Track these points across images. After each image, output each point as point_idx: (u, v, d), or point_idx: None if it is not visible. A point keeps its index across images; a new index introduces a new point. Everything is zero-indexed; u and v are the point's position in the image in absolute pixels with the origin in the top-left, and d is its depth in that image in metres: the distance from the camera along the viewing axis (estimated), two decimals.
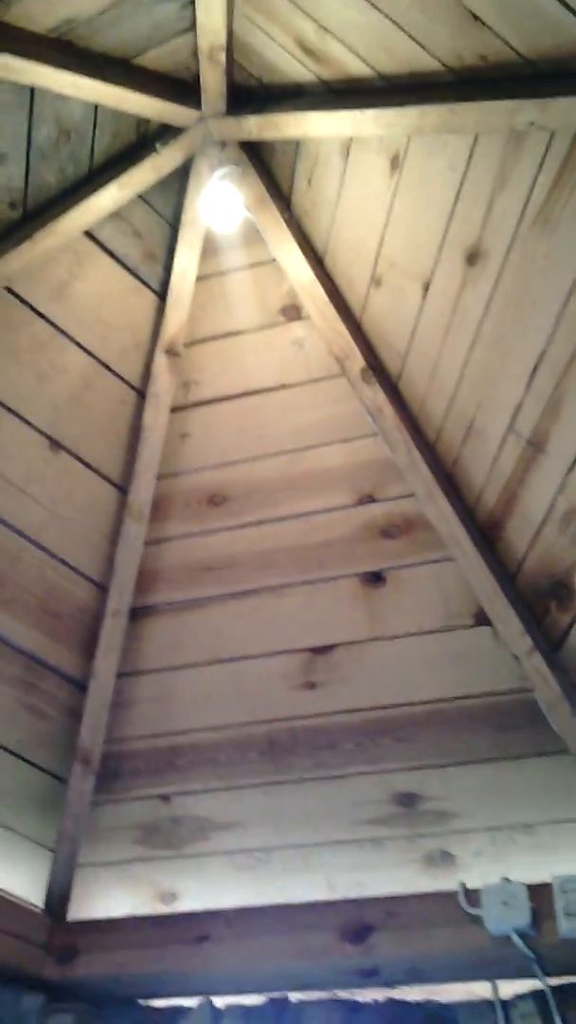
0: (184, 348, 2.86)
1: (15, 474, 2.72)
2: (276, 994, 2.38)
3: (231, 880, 2.52)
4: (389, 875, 2.37)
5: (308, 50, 2.24)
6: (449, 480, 2.61)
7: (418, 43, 2.00)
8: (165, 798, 2.67)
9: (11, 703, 2.65)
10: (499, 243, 2.17)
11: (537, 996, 2.14)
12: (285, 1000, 2.36)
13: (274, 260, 2.76)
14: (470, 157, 2.13)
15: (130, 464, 2.88)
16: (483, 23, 1.84)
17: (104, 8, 2.19)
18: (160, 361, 2.84)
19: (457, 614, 2.59)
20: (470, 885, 2.22)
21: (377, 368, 2.65)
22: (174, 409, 2.91)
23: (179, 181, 2.71)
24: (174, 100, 2.46)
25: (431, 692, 2.53)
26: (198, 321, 2.89)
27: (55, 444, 2.80)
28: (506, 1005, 2.17)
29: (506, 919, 2.11)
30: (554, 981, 2.14)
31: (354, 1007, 2.32)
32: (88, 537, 2.87)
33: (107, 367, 2.87)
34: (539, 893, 2.14)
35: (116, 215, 2.70)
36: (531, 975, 2.14)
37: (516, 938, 2.09)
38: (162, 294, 2.86)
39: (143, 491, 2.85)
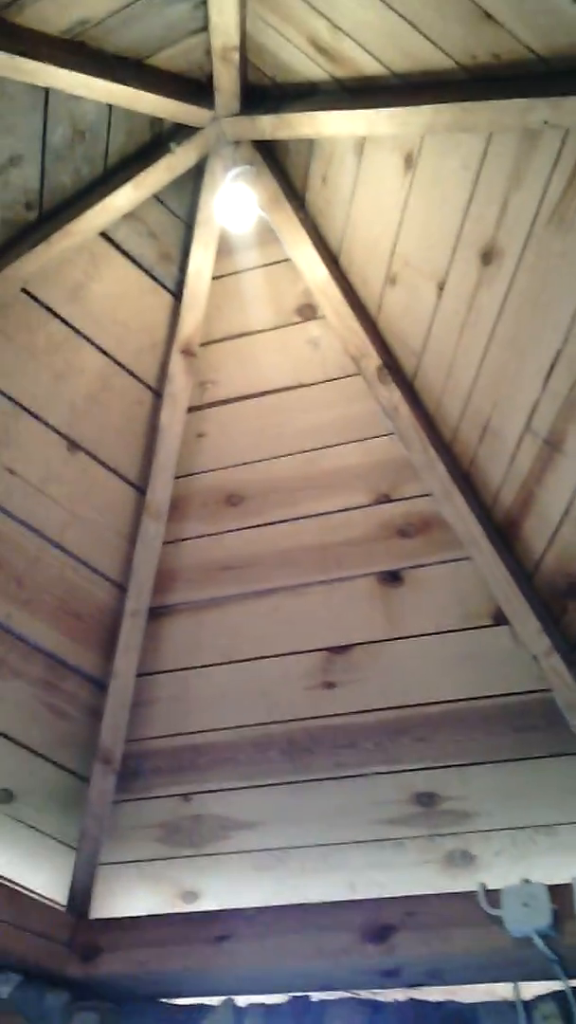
0: (200, 348, 2.87)
1: (33, 475, 2.73)
2: (297, 993, 2.38)
3: (251, 879, 2.53)
4: (409, 875, 2.37)
5: (322, 49, 2.23)
6: (466, 479, 2.60)
7: (432, 42, 1.99)
8: (186, 797, 2.68)
9: (33, 703, 2.67)
10: (514, 242, 2.15)
11: (558, 997, 2.13)
12: (306, 999, 2.36)
13: (289, 259, 2.76)
14: (484, 155, 2.11)
15: (147, 464, 2.89)
16: (497, 21, 1.83)
17: (117, 9, 2.19)
18: (176, 361, 2.84)
19: (475, 614, 2.58)
20: (490, 885, 2.21)
21: (393, 367, 2.65)
22: (190, 409, 2.92)
23: (193, 181, 2.71)
24: (188, 100, 2.46)
25: (449, 692, 2.53)
26: (214, 321, 2.90)
27: (73, 444, 2.81)
28: (528, 1006, 2.16)
29: (527, 920, 2.10)
30: None
31: (375, 1007, 2.31)
32: (106, 537, 2.88)
33: (123, 367, 2.87)
34: (560, 894, 2.13)
35: (131, 215, 2.71)
36: (553, 976, 2.13)
37: (537, 939, 2.08)
38: (178, 294, 2.86)
39: (161, 491, 2.86)
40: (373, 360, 2.65)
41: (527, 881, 2.17)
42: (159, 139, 2.61)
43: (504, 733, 2.44)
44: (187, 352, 2.84)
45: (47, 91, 2.31)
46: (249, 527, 2.88)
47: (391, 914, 2.26)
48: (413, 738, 2.51)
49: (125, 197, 2.58)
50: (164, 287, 2.88)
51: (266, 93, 2.47)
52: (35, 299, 2.67)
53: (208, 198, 2.65)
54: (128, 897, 2.62)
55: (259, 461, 2.90)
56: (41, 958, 2.43)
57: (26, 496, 2.71)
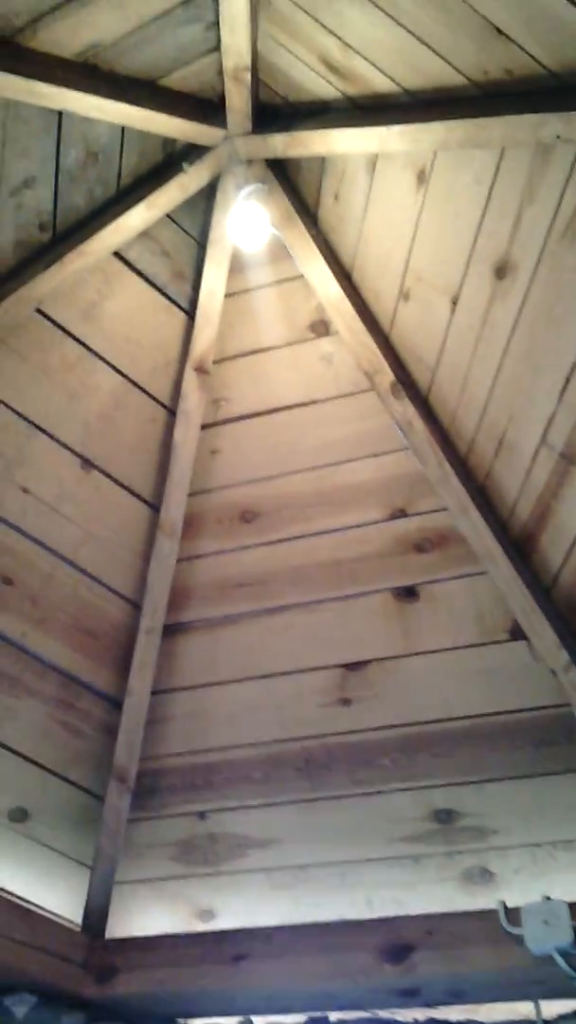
0: (213, 365, 2.88)
1: (48, 493, 2.74)
2: (315, 1014, 2.36)
3: (268, 897, 2.51)
4: (428, 892, 2.36)
5: (333, 67, 2.25)
6: (481, 493, 2.60)
7: (443, 58, 2.00)
8: (201, 815, 2.67)
9: (47, 721, 2.66)
10: (528, 256, 2.16)
11: None
12: (324, 1019, 2.35)
13: (301, 276, 2.77)
14: (497, 170, 2.12)
15: (161, 482, 2.90)
16: (508, 37, 1.84)
17: (129, 32, 2.22)
18: (190, 379, 2.85)
19: (492, 629, 2.58)
20: (510, 902, 2.20)
21: (407, 382, 2.65)
22: (204, 426, 2.93)
23: (206, 200, 2.73)
24: (200, 120, 2.47)
25: (467, 708, 2.51)
26: (227, 338, 2.91)
27: (87, 463, 2.82)
28: None
29: (548, 938, 2.08)
30: None
31: None
32: (121, 555, 2.88)
33: (137, 386, 2.89)
34: None
35: (144, 235, 2.73)
36: (574, 994, 2.11)
37: (558, 957, 2.06)
38: (191, 312, 2.87)
39: (174, 508, 2.86)
40: (387, 376, 2.66)
41: (547, 898, 2.16)
42: (171, 159, 2.63)
43: (522, 748, 2.43)
44: (200, 370, 2.85)
45: (60, 114, 2.33)
46: (263, 544, 2.88)
47: (410, 933, 2.24)
48: (430, 754, 2.50)
49: (138, 217, 2.59)
50: (177, 305, 2.89)
51: (278, 112, 2.49)
52: (49, 319, 2.69)
53: (221, 217, 2.67)
54: (144, 916, 2.61)
55: (273, 477, 2.91)
56: (56, 979, 2.41)
57: (40, 515, 2.72)
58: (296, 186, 2.68)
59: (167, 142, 2.60)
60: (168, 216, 2.74)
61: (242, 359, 2.94)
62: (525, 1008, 2.21)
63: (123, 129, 2.48)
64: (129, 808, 2.69)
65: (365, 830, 2.48)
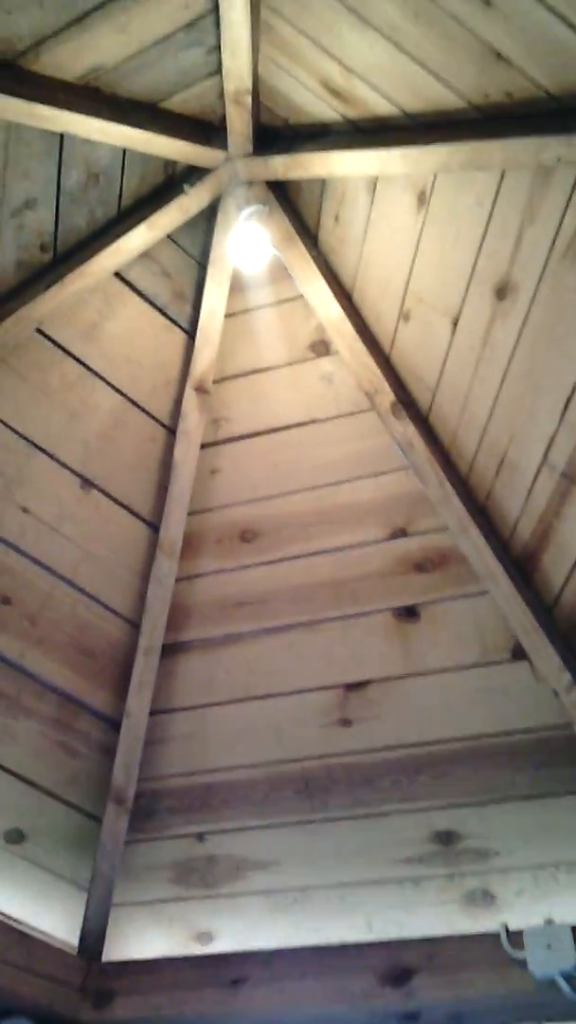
0: (213, 385, 2.89)
1: (47, 513, 2.74)
2: None
3: (267, 920, 2.49)
4: (429, 915, 2.33)
5: (334, 91, 2.27)
6: (482, 513, 2.60)
7: (443, 82, 2.02)
8: (200, 837, 2.65)
9: (45, 741, 2.65)
10: (528, 277, 2.17)
11: None
12: None
13: (302, 296, 2.78)
14: (497, 192, 2.13)
15: (161, 501, 2.90)
16: (508, 61, 1.86)
17: (130, 55, 2.23)
18: (190, 398, 2.86)
19: (493, 649, 2.57)
20: (513, 925, 2.18)
21: (407, 402, 2.66)
22: (204, 445, 2.93)
23: (207, 220, 2.75)
24: (201, 142, 2.48)
25: (468, 728, 2.50)
26: (227, 358, 2.92)
27: (86, 482, 2.82)
28: None
29: (550, 962, 2.06)
30: None
31: None
32: (120, 574, 2.88)
33: (137, 405, 2.89)
34: None
35: (145, 255, 2.74)
36: None
37: (562, 981, 2.04)
38: (191, 332, 2.88)
39: (174, 528, 2.86)
40: (387, 396, 2.67)
41: (550, 922, 2.14)
42: (172, 180, 2.64)
43: (524, 770, 2.42)
44: (200, 389, 2.85)
45: (62, 136, 2.35)
46: (263, 563, 2.88)
47: (410, 957, 2.22)
48: (431, 775, 2.48)
49: (139, 238, 2.61)
50: (178, 325, 2.90)
51: (278, 134, 2.51)
52: (49, 339, 2.70)
53: (221, 237, 2.68)
54: (141, 939, 2.58)
55: (273, 497, 2.91)
56: (53, 1003, 2.38)
57: (39, 534, 2.72)
58: (297, 207, 2.70)
59: (168, 164, 2.61)
60: (169, 237, 2.75)
61: (242, 379, 2.96)
62: None
63: (124, 151, 2.49)
64: (127, 830, 2.67)
65: (365, 852, 2.46)
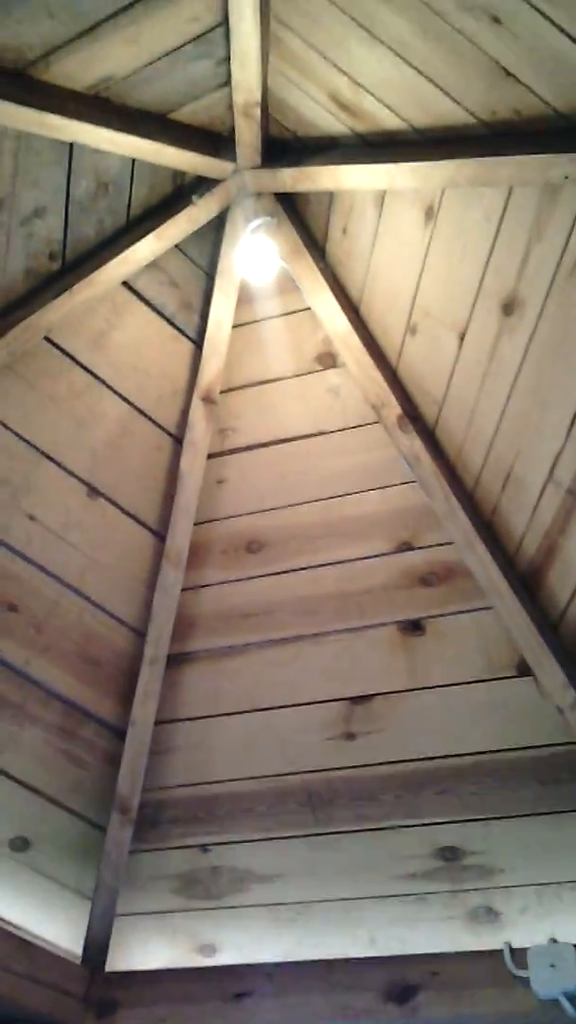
0: (220, 395, 2.89)
1: (54, 521, 2.74)
2: None
3: (271, 933, 2.48)
4: (432, 931, 2.32)
5: (343, 105, 2.26)
6: (488, 528, 2.59)
7: (452, 98, 2.02)
8: (203, 848, 2.65)
9: (49, 750, 2.65)
10: (535, 293, 2.16)
11: None
12: None
13: (309, 308, 2.78)
14: (505, 208, 2.13)
15: (167, 510, 2.89)
16: (516, 79, 1.85)
17: (141, 66, 2.24)
18: (197, 408, 2.86)
19: (498, 664, 2.56)
20: (516, 943, 2.18)
21: (413, 416, 2.65)
22: (211, 455, 2.93)
23: (215, 231, 2.75)
24: (209, 153, 2.49)
25: (472, 744, 2.49)
26: (234, 368, 2.92)
27: (93, 491, 2.82)
28: None
29: (554, 982, 2.06)
30: None
31: None
32: (126, 583, 2.88)
33: (144, 414, 2.89)
34: None
35: (153, 265, 2.74)
36: None
37: (565, 1002, 2.04)
38: (198, 342, 2.88)
39: (180, 537, 2.86)
40: (394, 409, 2.66)
41: (554, 941, 2.13)
42: (181, 191, 2.64)
43: (529, 786, 2.40)
44: (207, 399, 2.85)
45: (71, 145, 2.35)
46: (269, 574, 2.87)
47: (414, 974, 2.22)
48: (435, 791, 2.47)
49: (147, 248, 2.61)
50: (185, 335, 2.90)
51: (287, 146, 2.51)
52: (58, 347, 2.70)
53: (229, 248, 2.68)
54: (145, 949, 2.58)
55: (279, 508, 2.90)
56: (55, 1012, 2.39)
57: (46, 542, 2.72)
58: (304, 220, 2.70)
59: (177, 174, 2.61)
60: (177, 247, 2.75)
61: (249, 389, 2.95)
62: None
63: (134, 161, 2.50)
64: (131, 839, 2.67)
65: (369, 867, 2.45)
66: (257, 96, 2.31)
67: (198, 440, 2.86)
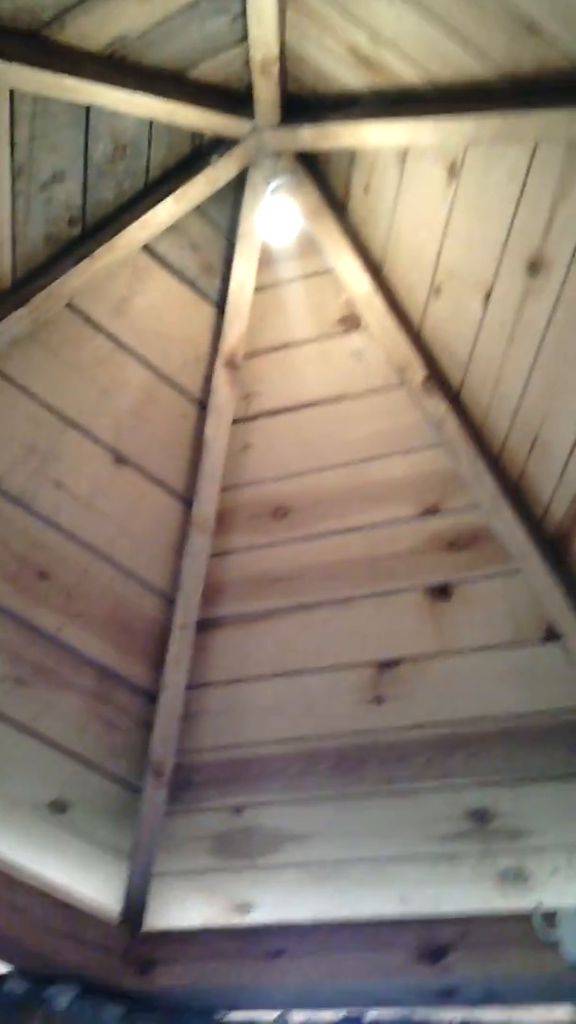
0: (243, 360, 2.86)
1: (81, 489, 2.75)
2: (353, 1010, 2.38)
3: (305, 892, 2.52)
4: (463, 891, 2.35)
5: (362, 59, 2.20)
6: (515, 492, 2.56)
7: (474, 52, 1.96)
8: (237, 809, 2.68)
9: (84, 714, 2.69)
10: (562, 252, 2.11)
11: None
12: (361, 1016, 2.37)
13: (331, 270, 2.73)
14: (529, 166, 2.07)
15: (193, 477, 2.89)
16: (540, 32, 1.79)
17: (155, 24, 2.20)
18: (220, 373, 2.84)
19: (526, 628, 2.54)
20: (547, 903, 2.19)
21: (438, 378, 2.62)
22: (235, 421, 2.91)
23: (235, 192, 2.71)
24: (227, 112, 2.45)
25: (501, 708, 2.49)
26: (257, 332, 2.89)
27: (119, 458, 2.82)
28: None
29: None
30: None
31: None
32: (154, 550, 2.89)
33: (168, 380, 2.88)
34: None
35: (173, 228, 2.71)
36: None
37: None
38: (220, 306, 2.85)
39: (207, 504, 2.86)
40: (418, 372, 2.62)
41: None
42: (200, 152, 2.60)
43: (557, 749, 2.40)
44: (231, 364, 2.83)
45: (88, 108, 2.31)
46: (296, 539, 2.86)
47: (446, 934, 2.24)
48: (465, 754, 2.48)
49: (167, 211, 2.58)
50: (207, 299, 2.87)
51: (306, 104, 2.45)
52: (80, 314, 2.69)
53: (249, 210, 2.65)
54: (181, 908, 2.63)
55: (305, 473, 2.89)
56: (96, 970, 2.45)
57: (74, 510, 2.73)
58: (325, 179, 2.64)
59: (195, 135, 2.57)
60: (197, 209, 2.71)
61: (272, 353, 2.92)
62: (563, 1011, 2.21)
63: (151, 122, 2.46)
64: (166, 801, 2.71)
65: (399, 828, 2.47)
66: (275, 52, 2.27)
67: (222, 405, 2.85)
